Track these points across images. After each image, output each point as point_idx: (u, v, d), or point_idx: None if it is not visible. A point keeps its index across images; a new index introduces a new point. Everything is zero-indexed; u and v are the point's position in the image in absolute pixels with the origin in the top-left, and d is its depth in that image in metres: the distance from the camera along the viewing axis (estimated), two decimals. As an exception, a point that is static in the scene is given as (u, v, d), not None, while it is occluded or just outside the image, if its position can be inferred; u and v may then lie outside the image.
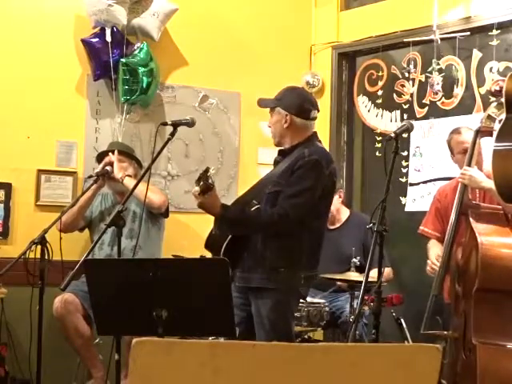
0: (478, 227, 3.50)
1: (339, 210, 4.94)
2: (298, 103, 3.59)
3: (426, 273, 3.98)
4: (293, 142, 3.59)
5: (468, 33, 4.78)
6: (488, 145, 3.76)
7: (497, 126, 3.69)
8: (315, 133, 3.68)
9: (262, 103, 3.71)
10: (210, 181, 3.21)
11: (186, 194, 4.99)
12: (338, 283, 4.63)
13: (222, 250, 3.43)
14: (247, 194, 3.69)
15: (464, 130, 4.03)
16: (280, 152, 3.66)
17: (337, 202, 4.90)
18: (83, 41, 4.79)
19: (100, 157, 4.53)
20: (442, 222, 4.06)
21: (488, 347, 3.33)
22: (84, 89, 4.89)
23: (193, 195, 3.34)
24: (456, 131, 4.08)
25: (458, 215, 3.70)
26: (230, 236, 3.45)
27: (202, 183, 3.20)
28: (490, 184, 3.58)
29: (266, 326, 3.39)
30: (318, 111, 3.70)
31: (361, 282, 3.04)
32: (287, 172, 3.46)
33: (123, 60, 4.72)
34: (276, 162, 3.67)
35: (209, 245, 3.60)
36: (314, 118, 3.66)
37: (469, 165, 3.73)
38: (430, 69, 4.94)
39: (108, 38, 4.69)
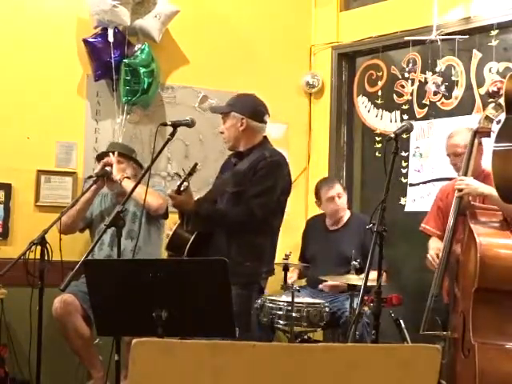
0: (477, 228, 3.51)
1: (345, 212, 4.97)
2: (252, 106, 3.80)
3: (425, 273, 3.98)
4: (247, 145, 3.78)
5: (467, 36, 4.78)
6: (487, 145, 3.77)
7: (495, 127, 3.69)
8: (266, 136, 3.86)
9: (214, 109, 3.98)
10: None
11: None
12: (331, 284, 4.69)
13: (186, 250, 3.56)
14: (208, 193, 3.92)
15: (452, 134, 4.06)
16: (236, 154, 3.85)
17: (345, 204, 4.93)
18: (85, 41, 4.78)
19: (100, 157, 4.52)
20: (443, 220, 4.06)
21: (487, 347, 3.34)
22: (84, 89, 4.89)
23: (169, 196, 3.64)
24: (448, 135, 4.11)
25: (456, 217, 3.70)
26: (192, 237, 3.60)
27: (187, 180, 3.55)
28: (488, 189, 3.58)
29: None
30: (269, 116, 3.87)
31: (359, 286, 3.05)
32: (249, 172, 3.64)
33: (126, 61, 4.72)
34: (232, 164, 3.86)
35: (171, 246, 3.71)
36: (266, 122, 3.85)
37: (467, 164, 3.73)
38: (437, 69, 4.93)
39: (110, 39, 4.69)
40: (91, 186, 4.33)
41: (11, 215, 4.67)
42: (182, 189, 3.60)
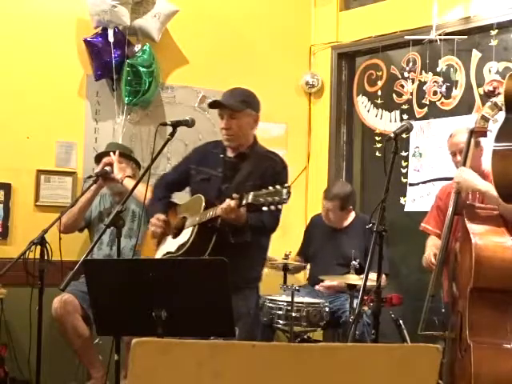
0: (473, 228, 3.50)
1: (350, 214, 4.96)
2: (259, 103, 3.69)
3: (425, 273, 3.98)
4: (248, 143, 3.66)
5: (465, 36, 4.78)
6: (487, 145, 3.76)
7: (491, 127, 3.69)
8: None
9: (231, 106, 3.56)
10: None
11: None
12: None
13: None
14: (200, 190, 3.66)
15: (454, 133, 4.05)
16: (238, 155, 3.64)
17: (336, 222, 4.92)
18: (86, 41, 4.79)
19: (98, 158, 4.52)
20: (443, 220, 4.05)
21: (482, 346, 3.33)
22: (84, 89, 4.89)
23: (227, 209, 3.28)
24: (450, 134, 4.11)
25: (453, 215, 3.70)
26: (210, 245, 3.45)
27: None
28: (485, 186, 3.57)
29: (249, 318, 3.57)
30: None
31: (359, 286, 3.05)
32: (265, 175, 3.50)
33: (129, 61, 4.73)
34: (227, 162, 3.64)
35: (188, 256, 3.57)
36: None
37: (464, 164, 3.72)
38: (437, 69, 4.93)
39: (110, 39, 4.69)
40: (91, 185, 4.34)
41: (11, 215, 4.67)
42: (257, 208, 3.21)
